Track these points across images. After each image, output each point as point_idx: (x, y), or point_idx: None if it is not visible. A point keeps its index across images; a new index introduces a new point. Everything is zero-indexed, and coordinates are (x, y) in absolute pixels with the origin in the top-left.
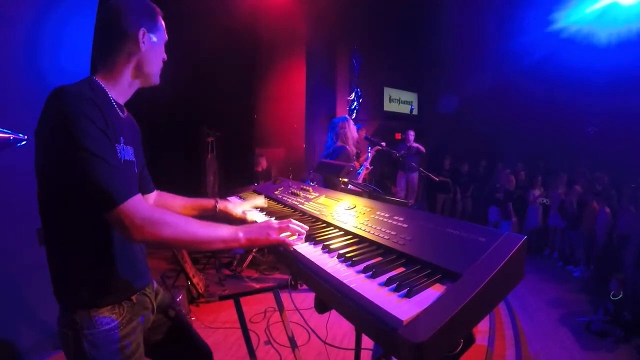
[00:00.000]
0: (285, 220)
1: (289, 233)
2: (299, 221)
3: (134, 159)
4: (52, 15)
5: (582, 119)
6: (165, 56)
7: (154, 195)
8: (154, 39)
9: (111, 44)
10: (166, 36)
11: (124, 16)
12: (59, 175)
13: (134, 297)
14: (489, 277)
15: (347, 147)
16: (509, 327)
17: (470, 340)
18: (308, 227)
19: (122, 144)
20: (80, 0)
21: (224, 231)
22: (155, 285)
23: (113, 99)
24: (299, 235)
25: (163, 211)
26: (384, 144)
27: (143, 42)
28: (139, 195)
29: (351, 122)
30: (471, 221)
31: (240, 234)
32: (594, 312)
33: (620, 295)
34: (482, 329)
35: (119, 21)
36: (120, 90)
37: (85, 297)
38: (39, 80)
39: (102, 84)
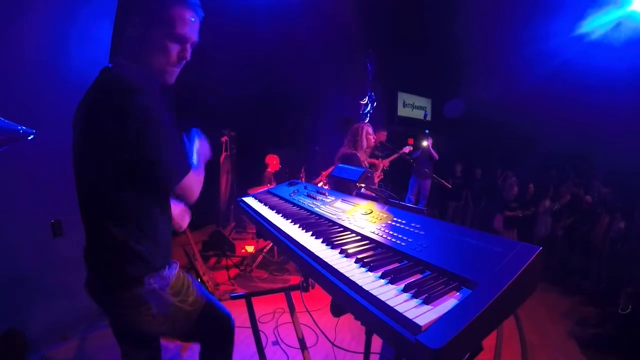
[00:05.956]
0: None
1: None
2: (315, 224)
3: None
4: (69, 16)
5: (599, 126)
6: (182, 52)
7: None
8: (153, 30)
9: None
10: (179, 32)
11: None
12: (131, 157)
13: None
14: (505, 287)
15: (358, 154)
16: (516, 338)
17: (478, 349)
18: None
19: None
20: (102, 4)
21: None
22: None
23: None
24: None
25: (199, 180)
26: (407, 149)
27: (134, 33)
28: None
29: (366, 129)
30: (481, 229)
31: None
32: (603, 325)
33: (629, 309)
34: (489, 338)
35: (127, 10)
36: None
37: (156, 260)
38: (59, 79)
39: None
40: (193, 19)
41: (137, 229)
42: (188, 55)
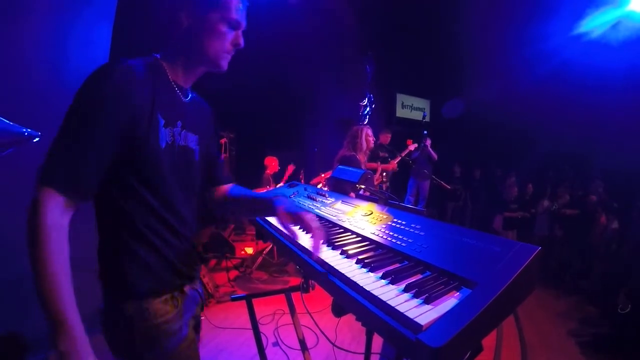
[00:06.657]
0: None
1: None
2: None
3: (195, 147)
4: (71, 17)
5: (598, 126)
6: (236, 38)
7: (227, 188)
8: (202, 16)
9: (161, 23)
10: (234, 16)
11: None
12: None
13: (186, 289)
14: (504, 286)
15: (357, 155)
16: (516, 338)
17: (479, 349)
18: None
19: (178, 128)
20: (102, 7)
21: (63, 304)
22: (201, 289)
23: (173, 81)
24: None
25: (61, 235)
26: (413, 147)
27: (186, 20)
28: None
29: (366, 131)
30: (480, 229)
31: (64, 334)
32: (602, 325)
33: (628, 309)
34: (488, 338)
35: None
36: (178, 72)
37: (139, 285)
38: (59, 80)
39: (164, 64)
40: (241, 7)
41: (123, 241)
42: (242, 41)
